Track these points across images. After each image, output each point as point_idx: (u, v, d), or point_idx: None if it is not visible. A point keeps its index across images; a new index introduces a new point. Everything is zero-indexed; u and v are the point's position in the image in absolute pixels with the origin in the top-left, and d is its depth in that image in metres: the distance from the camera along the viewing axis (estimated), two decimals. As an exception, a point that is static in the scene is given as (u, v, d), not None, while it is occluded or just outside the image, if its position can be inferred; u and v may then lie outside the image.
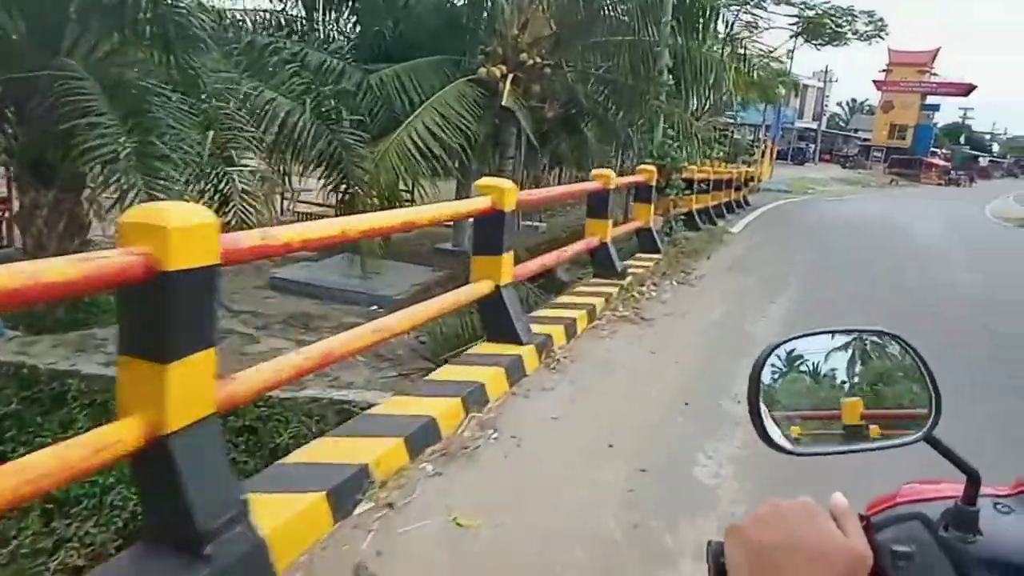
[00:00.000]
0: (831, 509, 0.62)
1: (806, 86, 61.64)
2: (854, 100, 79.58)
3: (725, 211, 17.22)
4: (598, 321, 6.43)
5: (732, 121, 29.61)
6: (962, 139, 71.95)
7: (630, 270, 8.26)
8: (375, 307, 7.37)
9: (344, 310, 7.40)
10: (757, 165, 25.83)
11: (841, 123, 74.59)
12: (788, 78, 25.74)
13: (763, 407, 0.73)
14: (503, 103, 9.70)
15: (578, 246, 7.42)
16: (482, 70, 10.06)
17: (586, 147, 12.81)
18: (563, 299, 6.84)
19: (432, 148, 8.62)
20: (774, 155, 30.83)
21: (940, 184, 54.16)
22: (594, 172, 7.91)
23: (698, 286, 8.60)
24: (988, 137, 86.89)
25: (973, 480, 0.66)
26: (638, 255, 9.69)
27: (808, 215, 21.00)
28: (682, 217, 13.18)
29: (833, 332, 0.78)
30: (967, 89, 57.94)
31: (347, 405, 4.25)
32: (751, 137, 45.39)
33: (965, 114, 75.78)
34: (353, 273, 8.14)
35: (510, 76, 10.04)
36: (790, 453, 0.73)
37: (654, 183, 10.15)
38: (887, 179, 51.17)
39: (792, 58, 27.54)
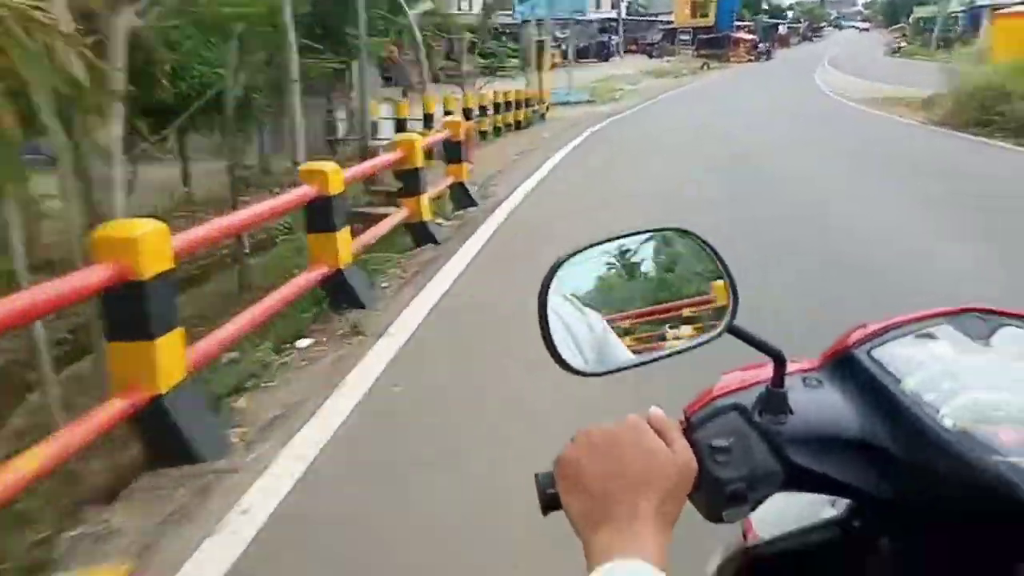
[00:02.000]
0: (650, 422, 0.63)
1: (598, -29, 54.94)
2: None
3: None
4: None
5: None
6: (764, 7, 68.95)
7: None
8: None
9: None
10: (530, 76, 18.05)
11: (640, 8, 69.23)
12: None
13: (554, 327, 0.68)
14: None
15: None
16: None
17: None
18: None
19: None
20: (550, 59, 22.80)
21: (751, 60, 50.29)
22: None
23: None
24: (787, 4, 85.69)
25: (778, 361, 0.67)
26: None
27: (617, 160, 13.74)
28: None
29: (629, 235, 0.75)
30: None
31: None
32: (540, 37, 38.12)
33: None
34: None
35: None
36: (587, 375, 0.70)
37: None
38: (698, 63, 46.18)
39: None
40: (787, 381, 0.66)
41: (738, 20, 57.57)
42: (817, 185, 8.40)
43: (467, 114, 14.32)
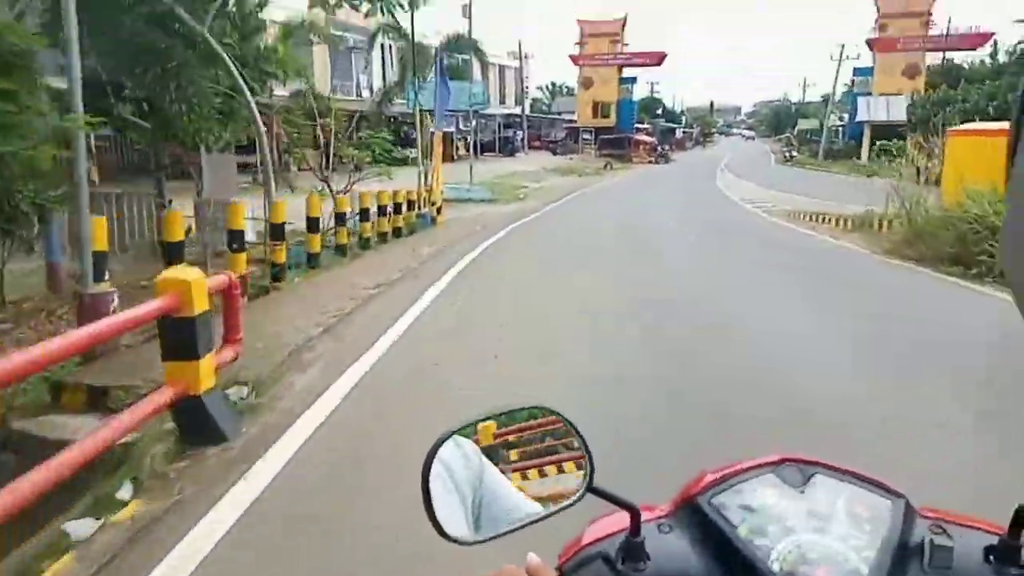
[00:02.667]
0: (527, 569, 0.67)
1: (503, 67, 54.83)
2: (553, 83, 75.54)
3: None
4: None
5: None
6: (660, 112, 71.15)
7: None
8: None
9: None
10: (426, 169, 15.28)
11: (544, 107, 69.98)
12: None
13: (435, 498, 0.74)
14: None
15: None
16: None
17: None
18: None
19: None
20: (442, 150, 20.29)
21: (651, 162, 50.68)
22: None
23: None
24: (679, 110, 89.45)
25: (634, 513, 0.75)
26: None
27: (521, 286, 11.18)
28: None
29: (501, 413, 0.84)
30: (660, 58, 55.25)
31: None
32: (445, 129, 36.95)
33: (653, 87, 75.93)
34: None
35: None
36: (467, 543, 0.76)
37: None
38: (601, 163, 45.84)
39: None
40: (645, 528, 0.75)
41: (637, 123, 58.69)
42: (775, 350, 5.92)
43: (339, 219, 11.50)
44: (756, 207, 20.74)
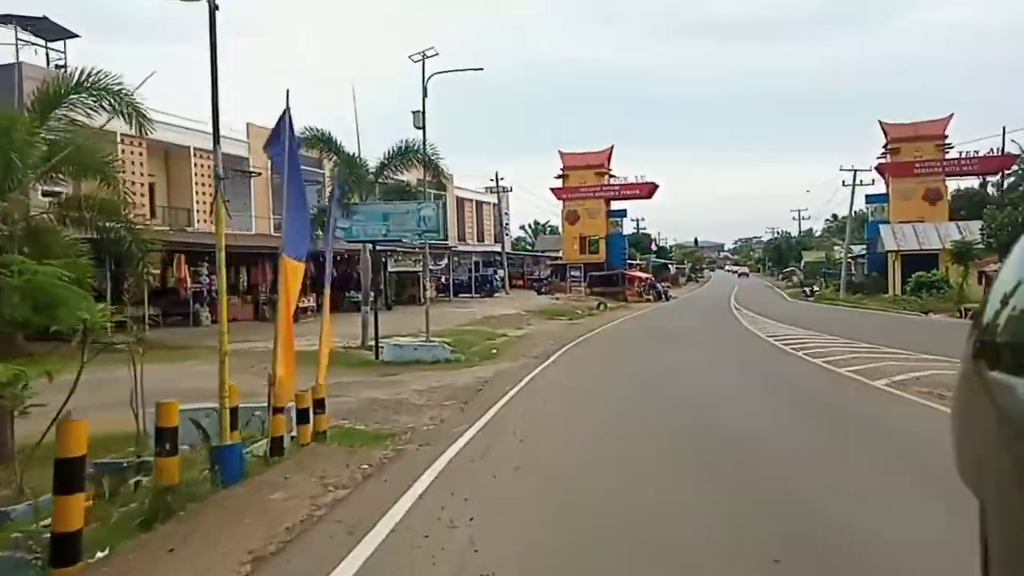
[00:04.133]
0: None
1: (480, 203, 50.12)
2: (536, 222, 71.25)
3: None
4: None
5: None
6: (653, 247, 66.39)
7: None
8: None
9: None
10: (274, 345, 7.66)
11: (528, 246, 65.11)
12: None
13: None
14: None
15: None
16: None
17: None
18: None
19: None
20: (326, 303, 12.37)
21: (649, 300, 44.68)
22: None
23: None
24: (668, 246, 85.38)
25: None
26: None
27: None
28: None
29: None
30: (650, 190, 50.75)
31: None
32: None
33: (638, 223, 71.75)
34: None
35: None
36: None
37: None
38: (593, 302, 39.65)
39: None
40: None
41: (629, 259, 53.51)
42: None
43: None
44: (825, 362, 14.02)
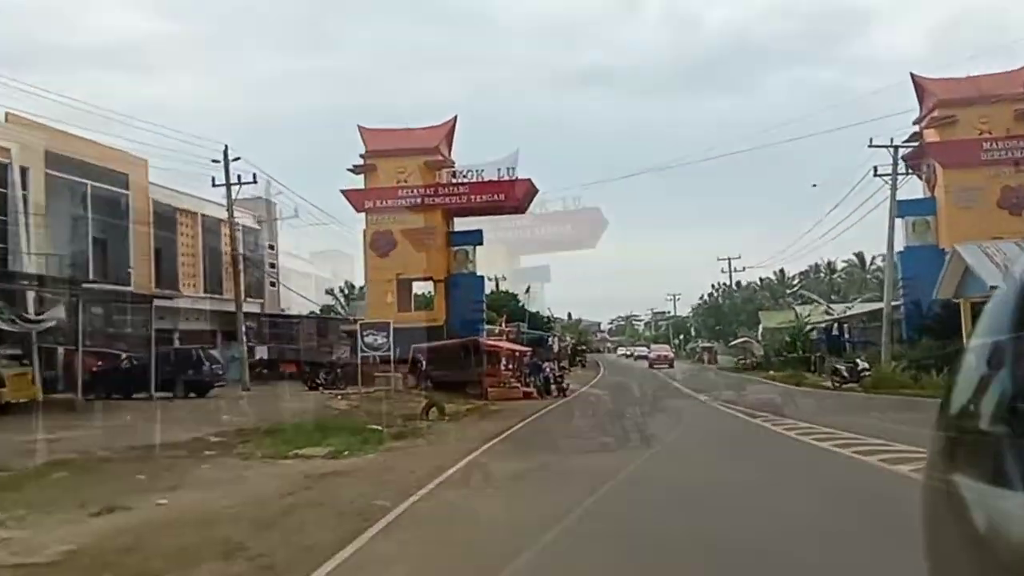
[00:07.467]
0: None
1: (205, 216, 28.05)
2: (351, 285, 48.24)
3: None
4: None
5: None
6: (522, 309, 45.94)
7: None
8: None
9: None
10: None
11: (339, 313, 42.85)
12: None
13: None
14: None
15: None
16: None
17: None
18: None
19: None
20: None
21: (529, 394, 24.15)
22: None
23: None
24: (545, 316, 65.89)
25: None
26: None
27: None
28: None
29: None
30: (526, 192, 29.93)
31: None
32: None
33: (498, 282, 52.58)
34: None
35: None
36: None
37: None
38: (416, 404, 18.23)
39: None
40: None
41: (487, 322, 32.32)
42: None
43: None
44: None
